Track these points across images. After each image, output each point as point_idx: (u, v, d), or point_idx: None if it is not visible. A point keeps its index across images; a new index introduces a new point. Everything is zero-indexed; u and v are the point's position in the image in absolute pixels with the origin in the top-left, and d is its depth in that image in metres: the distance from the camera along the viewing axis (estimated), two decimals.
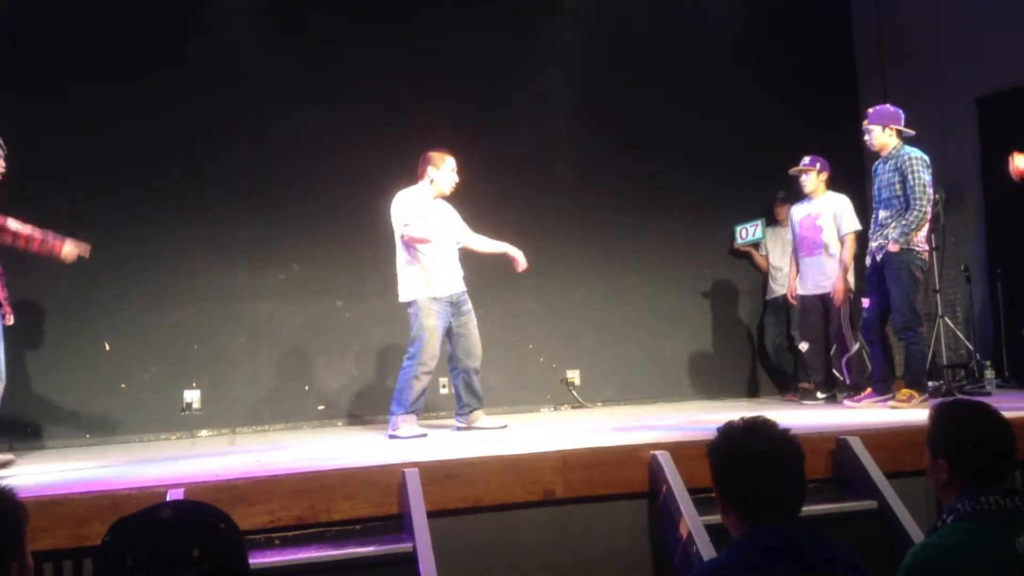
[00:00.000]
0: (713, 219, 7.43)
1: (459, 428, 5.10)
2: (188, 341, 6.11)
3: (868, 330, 5.48)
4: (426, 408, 5.99)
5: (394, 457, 3.58)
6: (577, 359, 7.00)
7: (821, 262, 5.98)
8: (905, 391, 5.16)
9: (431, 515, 3.04)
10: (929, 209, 5.18)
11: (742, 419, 1.99)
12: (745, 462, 1.91)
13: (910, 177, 5.15)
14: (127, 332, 5.97)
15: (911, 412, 4.74)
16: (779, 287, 7.15)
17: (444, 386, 6.38)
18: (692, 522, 3.08)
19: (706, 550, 2.96)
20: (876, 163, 5.44)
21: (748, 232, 7.26)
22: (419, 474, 3.13)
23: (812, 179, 6.05)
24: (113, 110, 6.02)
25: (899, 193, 5.20)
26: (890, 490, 3.38)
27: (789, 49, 7.61)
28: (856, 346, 5.87)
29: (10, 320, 4.69)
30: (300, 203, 6.37)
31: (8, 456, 4.81)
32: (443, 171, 5.06)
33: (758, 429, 1.95)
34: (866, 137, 5.40)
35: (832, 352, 6.07)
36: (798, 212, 6.21)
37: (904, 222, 5.14)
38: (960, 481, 2.12)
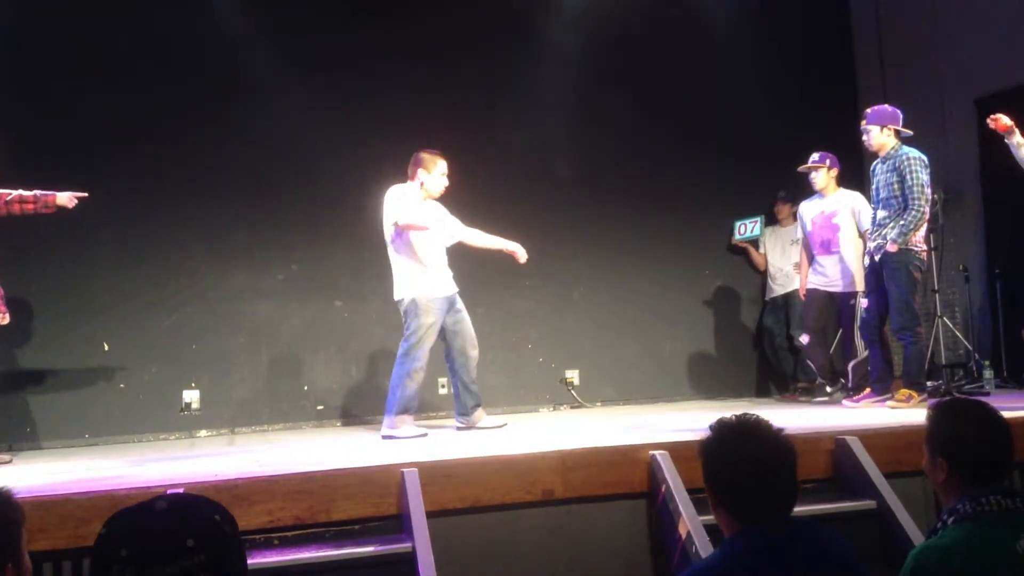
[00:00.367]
0: (713, 219, 7.43)
1: (459, 428, 5.10)
2: (187, 341, 6.11)
3: (867, 330, 5.48)
4: (426, 408, 6.02)
5: (393, 457, 3.58)
6: (576, 359, 7.01)
7: (839, 261, 5.94)
8: (904, 391, 5.16)
9: (430, 515, 3.04)
10: (927, 209, 5.19)
11: (734, 417, 1.97)
12: (736, 461, 1.89)
13: (908, 177, 5.15)
14: (126, 332, 5.97)
15: (910, 412, 4.74)
16: (778, 287, 7.16)
17: (443, 386, 6.39)
18: (691, 522, 3.08)
19: (705, 550, 2.96)
20: (874, 163, 5.44)
21: (747, 228, 7.26)
22: (418, 474, 3.13)
23: (823, 176, 6.02)
24: (112, 110, 6.02)
25: (897, 193, 5.20)
26: (889, 490, 3.38)
27: (789, 50, 7.61)
28: (865, 354, 5.84)
29: (5, 320, 4.69)
30: (299, 203, 6.37)
31: (6, 456, 4.81)
32: (433, 175, 5.03)
33: (750, 428, 1.94)
34: (864, 137, 5.40)
35: (832, 349, 6.07)
36: (809, 210, 6.16)
37: (902, 222, 5.14)
38: (960, 480, 2.12)
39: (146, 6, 6.18)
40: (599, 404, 6.95)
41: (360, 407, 6.43)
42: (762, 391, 7.42)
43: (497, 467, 3.32)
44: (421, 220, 4.91)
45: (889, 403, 5.18)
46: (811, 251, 6.15)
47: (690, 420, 4.86)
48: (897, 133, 5.31)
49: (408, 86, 6.59)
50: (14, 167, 5.81)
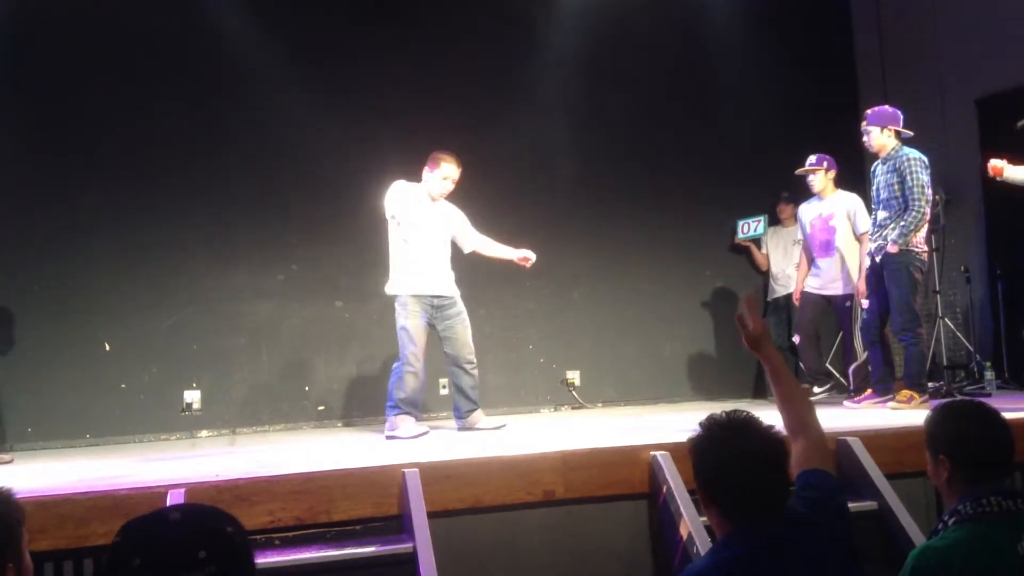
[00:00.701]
0: (714, 219, 7.43)
1: (459, 429, 5.10)
2: (188, 341, 6.11)
3: (867, 331, 5.48)
4: (426, 409, 6.00)
5: (394, 457, 3.58)
6: (577, 360, 7.01)
7: (837, 263, 5.95)
8: (905, 392, 5.16)
9: (431, 515, 3.04)
10: (928, 210, 5.18)
11: (724, 414, 1.94)
12: (726, 458, 1.86)
13: (909, 178, 5.15)
14: (127, 332, 5.97)
15: (911, 413, 4.74)
16: (780, 288, 7.16)
17: (444, 387, 6.39)
18: (692, 523, 3.08)
19: (706, 551, 2.95)
20: (875, 164, 5.44)
21: (750, 227, 7.26)
22: (419, 474, 3.13)
23: (820, 178, 6.03)
24: (113, 111, 6.03)
25: (898, 194, 5.20)
26: (890, 491, 3.38)
27: (789, 50, 7.60)
28: (865, 356, 5.84)
29: None
30: (300, 204, 6.38)
31: (7, 456, 4.81)
32: (434, 176, 5.03)
33: (739, 424, 1.90)
34: (865, 138, 5.40)
35: (833, 352, 6.07)
36: (808, 212, 6.18)
37: (903, 223, 5.14)
38: (962, 479, 2.12)
39: (146, 6, 6.18)
40: (600, 405, 6.95)
41: (361, 407, 6.42)
42: (763, 392, 7.41)
43: (498, 468, 3.31)
44: (389, 212, 4.92)
45: (890, 404, 5.17)
46: (810, 253, 6.15)
47: (691, 421, 4.82)
48: (898, 134, 5.31)
49: (409, 86, 6.59)
50: (14, 167, 5.85)
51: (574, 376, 6.96)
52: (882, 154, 5.33)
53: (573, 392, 6.92)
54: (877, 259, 5.28)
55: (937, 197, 6.70)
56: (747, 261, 7.52)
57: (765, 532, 1.82)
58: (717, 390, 7.26)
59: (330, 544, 3.05)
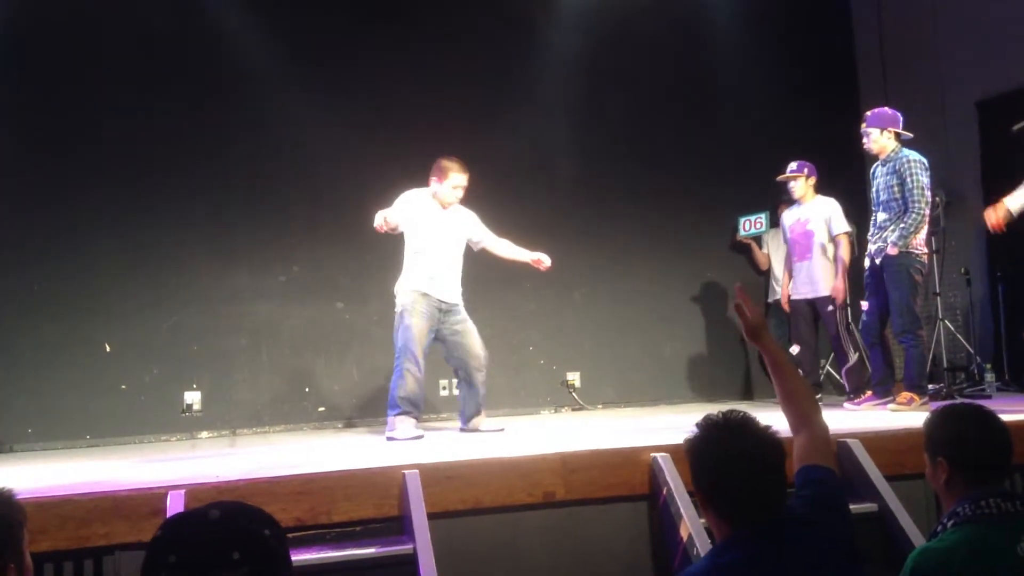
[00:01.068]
0: (714, 221, 7.44)
1: (461, 430, 5.12)
2: (189, 342, 6.11)
3: (868, 333, 5.48)
4: (426, 409, 6.00)
5: (394, 459, 3.58)
6: (577, 361, 7.01)
7: (811, 267, 6.00)
8: (905, 394, 5.16)
9: (431, 517, 3.04)
10: (928, 212, 5.19)
11: (720, 414, 1.93)
12: (723, 458, 1.85)
13: (908, 180, 5.15)
14: (128, 333, 5.98)
15: (911, 415, 4.74)
16: (780, 289, 7.16)
17: (444, 388, 6.39)
18: (692, 524, 3.08)
19: (706, 552, 2.95)
20: (875, 165, 5.45)
21: (751, 224, 7.26)
22: (419, 476, 3.13)
23: (801, 185, 6.08)
24: (114, 111, 6.03)
25: (898, 196, 5.20)
26: (890, 493, 3.38)
27: (790, 52, 7.61)
28: (856, 356, 5.86)
29: None
30: (301, 205, 6.38)
31: None
32: (444, 185, 5.04)
33: (736, 425, 1.89)
34: (864, 140, 5.40)
35: (830, 360, 6.08)
36: (788, 217, 6.25)
37: (903, 225, 5.14)
38: (961, 481, 2.12)
39: (147, 5, 6.19)
40: (600, 406, 6.95)
41: (361, 409, 6.43)
42: (763, 393, 7.41)
43: (498, 469, 3.32)
44: (378, 220, 4.85)
45: (890, 406, 5.18)
46: (791, 258, 6.20)
47: (691, 422, 4.83)
48: (897, 136, 5.31)
49: (409, 87, 6.60)
50: (14, 168, 5.85)
51: (574, 377, 6.96)
52: (882, 156, 5.33)
53: (573, 393, 6.93)
54: (877, 261, 5.28)
55: (937, 199, 6.71)
56: (748, 261, 7.52)
57: (764, 534, 1.81)
58: (717, 391, 7.27)
59: (330, 545, 3.05)
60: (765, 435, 1.87)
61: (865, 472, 3.45)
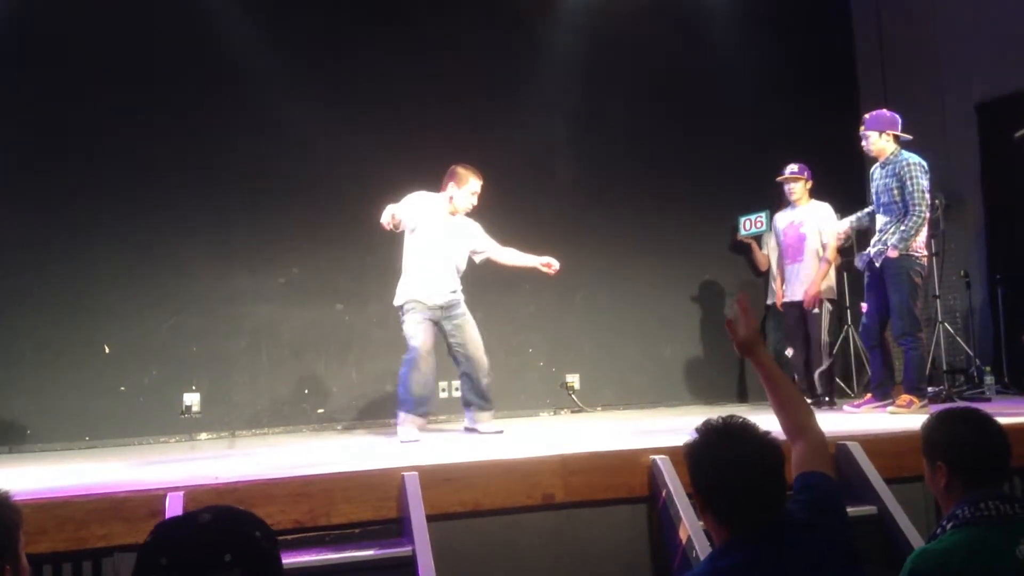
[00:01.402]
0: (714, 223, 7.44)
1: (467, 428, 5.15)
2: (188, 344, 6.11)
3: (867, 335, 5.49)
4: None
5: (393, 461, 3.58)
6: (577, 363, 7.00)
7: (803, 270, 6.00)
8: (904, 396, 5.16)
9: (430, 519, 3.04)
10: (927, 215, 5.19)
11: (720, 418, 1.94)
12: (722, 463, 1.85)
13: (908, 183, 5.15)
14: (127, 334, 5.97)
15: (910, 417, 4.74)
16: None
17: (444, 390, 6.39)
18: (692, 527, 3.08)
19: (705, 554, 2.95)
20: (873, 167, 5.45)
21: (751, 224, 7.26)
22: (418, 478, 3.13)
23: (800, 188, 6.09)
24: (114, 112, 6.02)
25: (897, 199, 5.21)
26: (889, 495, 3.38)
27: (790, 54, 7.62)
28: (828, 362, 5.90)
29: None
30: (301, 206, 6.38)
31: None
32: (463, 192, 5.06)
33: (735, 430, 1.89)
34: (863, 143, 5.41)
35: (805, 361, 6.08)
36: (782, 220, 6.24)
37: (903, 228, 5.15)
38: (960, 484, 2.12)
39: (148, 6, 6.19)
40: (599, 408, 6.94)
41: (361, 411, 6.42)
42: (761, 396, 7.39)
43: (498, 471, 3.32)
44: (384, 218, 4.82)
45: (890, 408, 5.18)
46: (783, 261, 6.20)
47: (691, 425, 4.82)
48: (896, 138, 5.32)
49: (410, 89, 6.60)
50: (14, 168, 5.85)
51: (574, 380, 6.96)
52: (881, 158, 5.34)
53: (573, 396, 6.92)
54: (877, 263, 5.28)
55: (937, 201, 6.72)
56: (747, 263, 7.52)
57: (763, 537, 1.81)
58: (716, 394, 7.26)
59: (329, 547, 3.05)
60: (765, 440, 1.88)
61: (864, 474, 3.46)
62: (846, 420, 4.92)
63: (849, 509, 3.37)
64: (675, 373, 7.28)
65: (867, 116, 5.43)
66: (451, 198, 5.08)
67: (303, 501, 3.09)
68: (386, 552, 3.00)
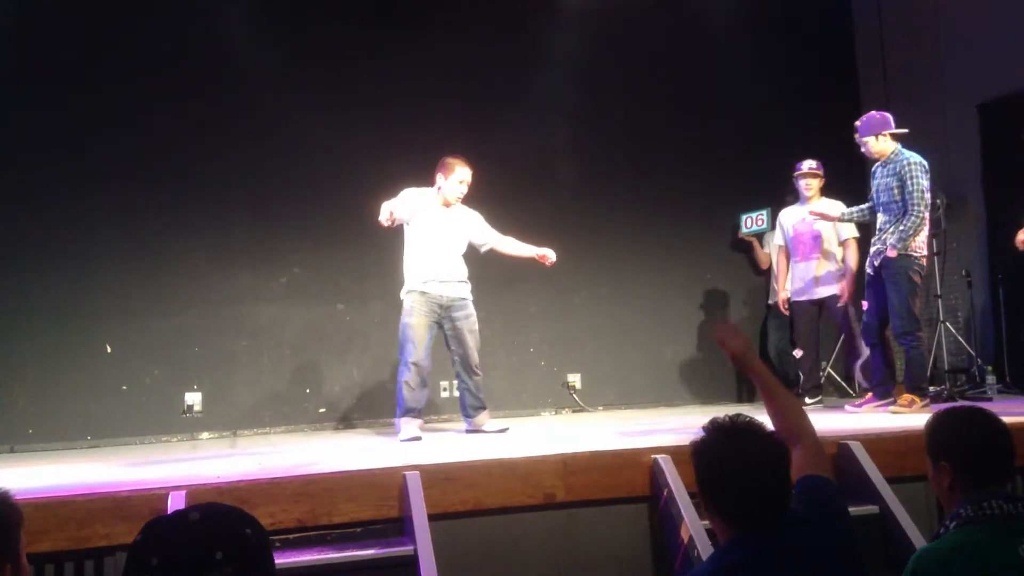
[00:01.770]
0: (714, 223, 7.43)
1: (468, 431, 5.14)
2: (190, 344, 6.11)
3: (868, 334, 5.49)
4: (427, 411, 6.01)
5: (395, 460, 3.58)
6: (578, 363, 7.00)
7: (816, 267, 5.98)
8: (906, 396, 5.15)
9: (432, 518, 3.04)
10: (927, 214, 5.19)
11: (727, 418, 1.94)
12: (728, 463, 1.86)
13: (908, 183, 5.15)
14: (129, 334, 5.98)
15: (912, 417, 4.74)
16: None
17: (445, 389, 6.40)
18: (693, 526, 3.08)
19: (707, 554, 2.95)
20: (875, 166, 5.44)
21: (752, 221, 7.25)
22: (420, 477, 3.13)
23: (817, 184, 6.05)
24: (115, 112, 6.03)
25: (897, 198, 5.20)
26: (891, 495, 3.38)
27: (791, 55, 7.61)
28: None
29: None
30: (302, 206, 6.38)
31: None
32: (450, 181, 5.06)
33: (742, 429, 1.90)
34: (863, 149, 5.42)
35: (831, 362, 6.06)
36: (791, 216, 6.20)
37: (902, 228, 5.14)
38: (963, 483, 2.12)
39: (151, 8, 6.19)
40: (600, 408, 6.94)
41: (362, 410, 6.43)
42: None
43: (499, 470, 3.32)
44: (383, 216, 4.85)
45: (891, 408, 5.17)
46: (790, 258, 6.17)
47: (692, 424, 4.83)
48: (893, 136, 5.31)
49: (409, 90, 6.59)
50: (15, 169, 5.86)
51: (575, 379, 6.96)
52: (882, 158, 5.33)
53: (574, 395, 6.92)
54: (876, 262, 5.28)
55: (938, 201, 6.71)
56: (748, 263, 7.52)
57: (766, 536, 1.82)
58: (718, 394, 7.26)
59: (331, 546, 3.05)
60: (771, 439, 1.89)
61: (866, 474, 3.45)
62: (848, 419, 4.91)
63: (851, 509, 3.36)
64: (676, 373, 7.28)
65: (858, 124, 5.41)
66: (439, 188, 5.09)
67: (305, 500, 3.09)
68: (388, 551, 3.00)
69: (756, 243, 7.37)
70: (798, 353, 6.16)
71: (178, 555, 1.18)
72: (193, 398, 6.06)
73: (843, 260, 5.98)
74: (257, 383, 6.25)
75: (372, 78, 6.61)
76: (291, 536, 3.06)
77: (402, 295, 5.07)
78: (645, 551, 3.36)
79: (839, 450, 3.60)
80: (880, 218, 5.33)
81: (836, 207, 5.96)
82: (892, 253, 5.14)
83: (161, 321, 6.06)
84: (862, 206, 5.63)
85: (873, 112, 5.45)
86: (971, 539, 2.00)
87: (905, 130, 5.35)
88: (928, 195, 5.19)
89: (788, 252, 6.26)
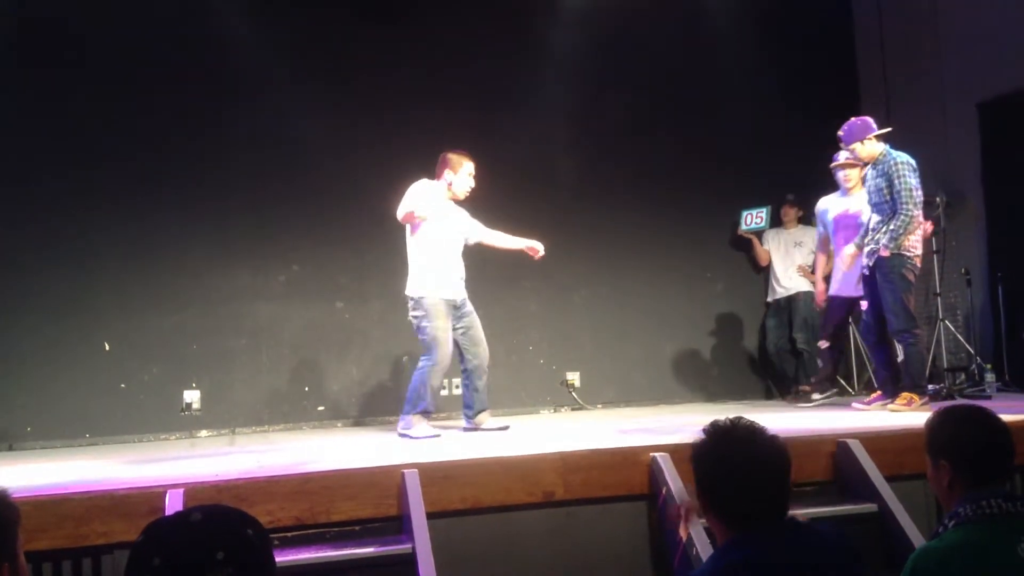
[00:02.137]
0: (714, 221, 7.44)
1: (465, 429, 5.11)
2: (188, 342, 6.11)
3: (868, 333, 5.50)
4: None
5: (394, 458, 3.58)
6: (577, 361, 7.01)
7: (858, 263, 5.87)
8: (905, 394, 5.15)
9: (430, 516, 3.04)
10: (916, 212, 5.17)
11: (728, 420, 1.93)
12: (729, 466, 1.85)
13: (896, 182, 5.16)
14: (127, 332, 5.98)
15: (911, 415, 4.74)
16: (781, 289, 7.16)
17: (444, 388, 6.39)
18: (692, 524, 3.08)
19: (706, 552, 2.95)
20: (867, 168, 5.45)
21: (752, 218, 7.25)
22: (419, 475, 3.13)
23: (856, 174, 5.82)
24: (114, 110, 6.03)
25: (887, 198, 5.21)
26: (890, 493, 3.38)
27: (790, 54, 7.60)
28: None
29: None
30: (301, 204, 6.38)
31: None
32: (460, 175, 5.04)
33: (743, 432, 1.89)
34: (852, 157, 5.46)
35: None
36: (833, 206, 6.00)
37: (892, 227, 5.15)
38: (962, 482, 2.11)
39: (151, 7, 6.18)
40: (600, 406, 6.94)
41: (361, 408, 6.43)
42: (763, 393, 7.42)
43: (498, 468, 3.31)
44: (421, 210, 4.84)
45: (890, 406, 5.17)
46: (830, 248, 6.06)
47: (691, 422, 4.84)
48: (879, 137, 5.31)
49: (409, 89, 6.59)
50: (15, 168, 5.85)
51: (574, 377, 6.96)
52: (872, 161, 5.34)
53: (573, 393, 6.92)
54: (870, 263, 5.29)
55: (938, 199, 6.70)
56: (747, 262, 7.52)
57: (764, 536, 1.81)
58: (717, 392, 7.27)
59: (329, 544, 3.05)
60: (772, 443, 1.88)
61: (865, 472, 3.45)
62: (847, 417, 4.91)
63: (849, 507, 3.41)
64: (675, 371, 7.29)
65: (840, 134, 5.40)
66: (450, 184, 5.05)
67: (303, 498, 3.09)
68: (386, 549, 3.00)
69: (756, 240, 7.37)
70: (823, 344, 6.07)
71: (179, 555, 1.19)
72: (192, 396, 6.06)
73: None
74: (256, 381, 6.25)
75: (372, 77, 6.60)
76: (290, 534, 3.06)
77: (417, 294, 4.93)
78: (644, 549, 3.36)
79: (838, 448, 3.60)
80: (873, 219, 5.34)
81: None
82: (885, 253, 5.16)
83: (160, 319, 6.06)
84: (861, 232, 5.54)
85: (852, 119, 5.43)
86: (970, 538, 2.00)
87: (888, 129, 5.36)
88: (917, 192, 5.18)
89: (828, 241, 6.12)
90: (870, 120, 5.35)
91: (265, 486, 3.09)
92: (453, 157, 5.05)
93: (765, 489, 1.84)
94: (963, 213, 7.05)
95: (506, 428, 5.06)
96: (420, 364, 4.93)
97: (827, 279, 6.16)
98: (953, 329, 6.82)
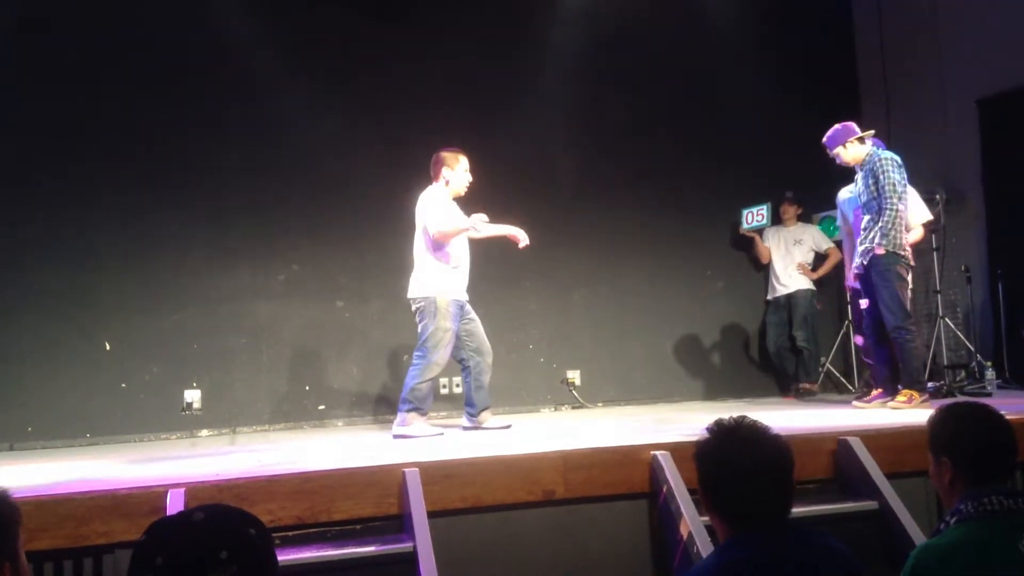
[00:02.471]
0: (714, 220, 7.44)
1: (466, 428, 5.10)
2: (189, 341, 6.11)
3: (868, 332, 5.49)
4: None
5: (394, 457, 3.57)
6: (578, 360, 7.01)
7: None
8: (904, 392, 5.15)
9: (431, 515, 3.04)
10: (902, 207, 5.19)
11: (731, 419, 1.94)
12: (732, 466, 1.86)
13: (881, 178, 5.19)
14: (128, 332, 5.98)
15: (911, 412, 4.74)
16: (781, 287, 7.16)
17: (444, 387, 6.39)
18: (692, 523, 3.08)
19: (706, 550, 2.95)
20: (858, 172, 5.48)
21: (754, 216, 7.25)
22: (419, 474, 3.13)
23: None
24: (114, 109, 6.03)
25: (875, 195, 5.24)
26: (891, 491, 3.38)
27: (790, 52, 7.61)
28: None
29: None
30: (301, 204, 6.38)
31: None
32: (457, 171, 5.03)
33: (747, 432, 1.89)
34: (837, 162, 5.47)
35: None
36: (852, 197, 5.88)
37: (880, 224, 5.18)
38: (964, 479, 2.12)
39: (152, 7, 6.18)
40: (600, 404, 6.95)
41: (361, 407, 6.43)
42: (763, 391, 7.41)
43: (498, 467, 3.31)
44: (459, 224, 4.92)
45: (890, 404, 5.17)
46: (854, 240, 6.03)
47: (691, 420, 4.85)
48: (861, 140, 5.34)
49: (409, 88, 6.60)
50: (15, 167, 5.85)
51: (574, 376, 6.97)
52: (859, 163, 5.38)
53: (573, 392, 6.93)
54: (864, 262, 5.30)
55: (938, 197, 6.70)
56: (748, 261, 7.52)
57: (765, 535, 1.82)
58: (718, 390, 7.27)
59: (330, 544, 3.05)
60: (775, 442, 1.89)
61: (865, 470, 3.45)
62: (847, 415, 4.91)
63: (850, 504, 3.41)
64: (676, 369, 7.29)
65: (824, 140, 5.46)
66: (448, 182, 5.05)
67: (304, 498, 3.09)
68: (387, 548, 3.00)
69: (757, 238, 7.37)
70: (859, 340, 6.00)
71: (182, 555, 1.19)
72: (192, 395, 6.06)
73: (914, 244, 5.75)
74: (256, 380, 6.25)
75: (372, 77, 6.60)
76: (290, 533, 3.06)
77: (430, 294, 4.89)
78: (644, 547, 3.36)
79: (838, 445, 3.60)
80: (864, 218, 5.37)
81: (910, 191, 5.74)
82: (879, 251, 5.18)
83: (160, 318, 6.06)
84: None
85: (835, 125, 5.48)
86: (971, 535, 2.00)
87: (871, 132, 5.41)
88: (902, 187, 5.20)
89: (851, 233, 6.08)
90: (852, 124, 5.42)
91: (266, 485, 3.09)
92: (447, 155, 5.05)
93: (768, 490, 1.84)
94: (963, 211, 7.05)
95: (508, 427, 5.05)
96: (415, 362, 4.92)
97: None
98: (953, 326, 6.82)
